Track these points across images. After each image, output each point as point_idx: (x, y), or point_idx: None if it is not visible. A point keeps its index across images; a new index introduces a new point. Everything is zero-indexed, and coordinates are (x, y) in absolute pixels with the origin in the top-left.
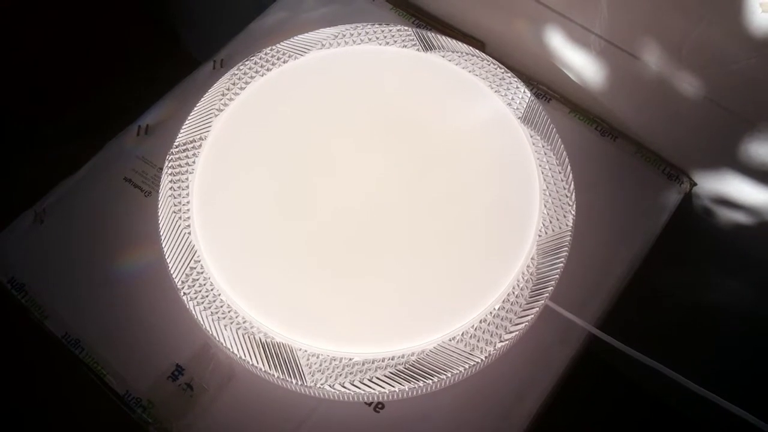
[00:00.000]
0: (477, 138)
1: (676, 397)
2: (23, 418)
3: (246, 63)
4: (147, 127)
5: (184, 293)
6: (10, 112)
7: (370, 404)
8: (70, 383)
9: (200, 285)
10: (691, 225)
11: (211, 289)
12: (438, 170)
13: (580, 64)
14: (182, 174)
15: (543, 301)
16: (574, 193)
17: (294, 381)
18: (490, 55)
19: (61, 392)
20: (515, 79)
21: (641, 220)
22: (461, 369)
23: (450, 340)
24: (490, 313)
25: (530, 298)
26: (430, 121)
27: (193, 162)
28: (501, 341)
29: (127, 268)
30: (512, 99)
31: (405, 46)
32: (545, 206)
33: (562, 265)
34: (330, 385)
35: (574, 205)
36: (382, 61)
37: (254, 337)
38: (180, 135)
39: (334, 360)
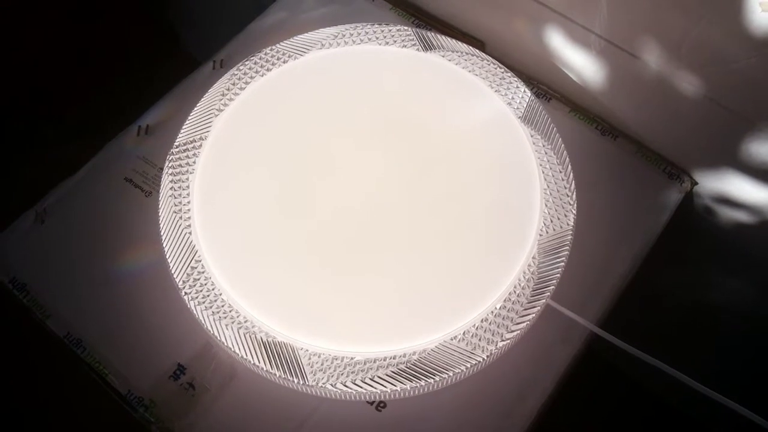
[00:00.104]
0: (477, 138)
1: (677, 396)
2: (25, 418)
3: (246, 63)
4: (147, 127)
5: (185, 293)
6: (10, 112)
7: (371, 403)
8: (72, 383)
9: (201, 285)
10: (692, 224)
11: (212, 289)
12: (438, 170)
13: (581, 63)
14: (183, 174)
15: (544, 300)
16: (574, 193)
17: (296, 380)
18: (490, 55)
19: (63, 392)
20: (515, 79)
21: (642, 219)
22: (463, 368)
23: (452, 340)
24: (492, 312)
25: (531, 297)
26: (430, 120)
27: (194, 162)
28: (502, 340)
29: (128, 267)
30: (512, 98)
31: (405, 46)
32: (546, 205)
33: (563, 264)
34: (332, 385)
35: (575, 205)
36: (382, 61)
37: (256, 337)
38: (180, 135)
39: (336, 359)
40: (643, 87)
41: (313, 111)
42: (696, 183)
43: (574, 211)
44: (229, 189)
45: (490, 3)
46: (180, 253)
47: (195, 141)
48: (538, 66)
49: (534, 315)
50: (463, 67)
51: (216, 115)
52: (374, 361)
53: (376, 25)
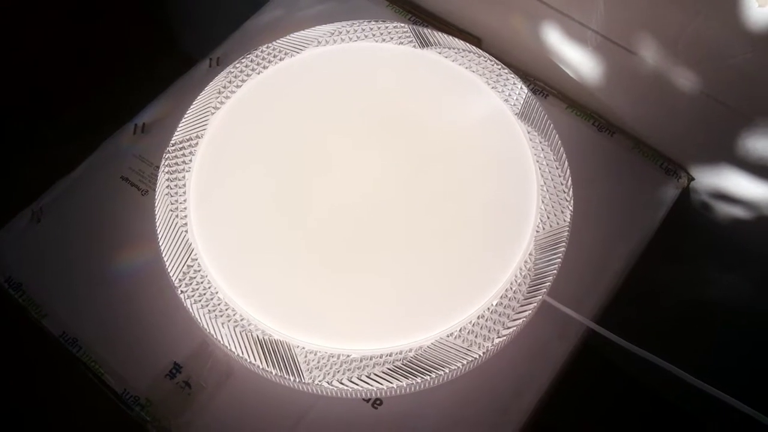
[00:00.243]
0: (474, 134)
1: (674, 391)
2: (22, 417)
3: (242, 61)
4: (143, 126)
5: (182, 291)
6: (10, 111)
7: (368, 401)
8: (68, 382)
9: (197, 283)
10: (689, 220)
11: (209, 287)
12: (435, 167)
13: (577, 59)
14: (179, 172)
15: (541, 297)
16: (571, 189)
17: (292, 378)
18: (486, 52)
19: (59, 391)
20: (512, 76)
21: (639, 215)
22: (459, 365)
23: (448, 336)
24: (488, 308)
25: (528, 293)
26: (427, 117)
27: (190, 160)
28: (499, 337)
29: (124, 266)
30: (509, 95)
31: (401, 43)
32: (543, 202)
33: (559, 260)
34: (328, 382)
35: (572, 201)
36: (379, 58)
37: (252, 335)
38: (176, 133)
39: (332, 357)
40: (640, 83)
41: (309, 108)
42: (693, 179)
43: (571, 208)
44: (225, 187)
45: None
46: (176, 251)
47: (191, 139)
48: (535, 62)
49: (530, 311)
50: (460, 64)
51: (212, 113)
52: (370, 359)
53: (373, 22)
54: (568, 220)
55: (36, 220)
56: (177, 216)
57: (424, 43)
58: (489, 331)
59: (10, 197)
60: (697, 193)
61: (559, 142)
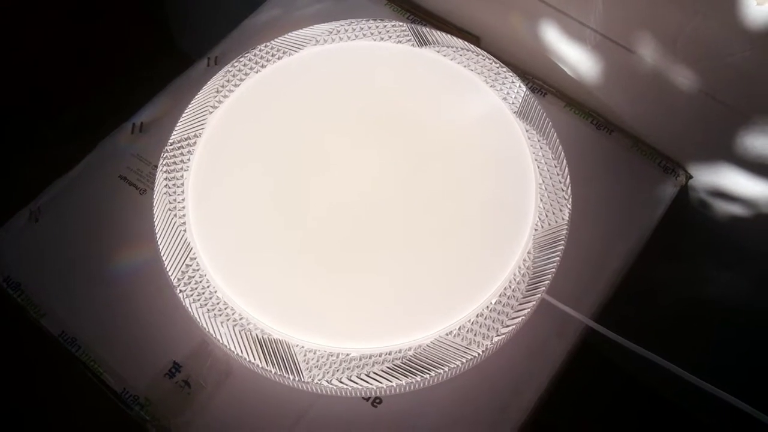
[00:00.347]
0: (473, 133)
1: (672, 389)
2: (22, 416)
3: (240, 60)
4: (141, 125)
5: (180, 290)
6: (9, 111)
7: (367, 399)
8: (67, 381)
9: (196, 282)
10: (687, 218)
11: (207, 286)
12: (434, 165)
13: (576, 58)
14: (177, 171)
15: (539, 295)
16: (570, 187)
17: (291, 377)
18: (485, 50)
19: (59, 391)
20: (511, 74)
21: (637, 213)
22: (458, 363)
23: (447, 335)
24: (487, 307)
25: (527, 291)
26: (425, 116)
27: (188, 159)
28: (498, 335)
29: (122, 266)
30: (508, 94)
31: (400, 42)
32: (541, 200)
33: (558, 258)
34: (327, 381)
35: (570, 199)
36: (377, 57)
37: (251, 334)
38: (174, 132)
39: (332, 356)
40: (638, 81)
41: (307, 107)
42: (691, 177)
43: (570, 206)
44: (223, 186)
45: None
46: (175, 250)
47: (189, 138)
48: (534, 61)
49: (529, 310)
50: (459, 63)
51: (210, 113)
52: (370, 357)
53: (371, 21)
54: (567, 218)
55: (34, 219)
56: (175, 215)
57: (423, 41)
58: (488, 329)
59: (8, 197)
60: (695, 191)
61: (558, 140)
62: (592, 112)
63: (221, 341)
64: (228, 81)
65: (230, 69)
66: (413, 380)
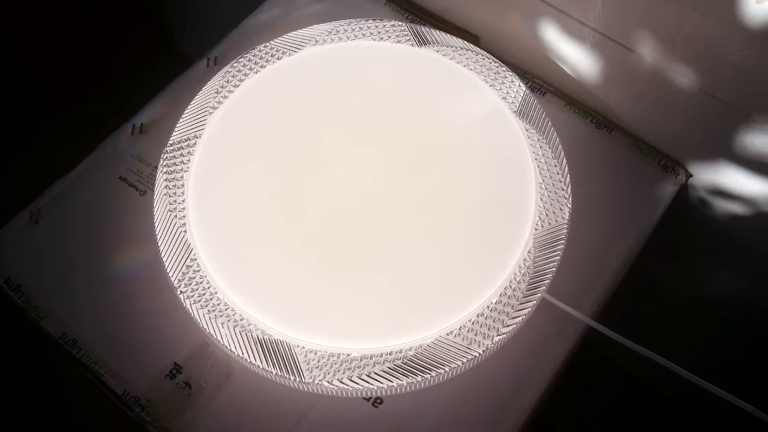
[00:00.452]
0: (472, 132)
1: (673, 388)
2: (23, 418)
3: (240, 60)
4: (141, 126)
5: (181, 292)
6: (9, 111)
7: (368, 399)
8: (68, 383)
9: (197, 283)
10: (687, 216)
11: (208, 287)
12: (434, 165)
13: (575, 57)
14: (177, 172)
15: (540, 294)
16: (570, 186)
17: (292, 377)
18: (484, 50)
19: (60, 393)
20: (510, 73)
21: (637, 211)
22: (459, 363)
23: (448, 335)
24: (488, 306)
25: (527, 291)
26: (425, 116)
27: (188, 160)
28: (498, 335)
29: (123, 267)
30: (507, 93)
31: (399, 42)
32: (541, 199)
33: (558, 258)
34: (328, 381)
35: (570, 198)
36: (377, 57)
37: (252, 335)
38: (174, 133)
39: (332, 356)
40: (637, 80)
41: (307, 107)
42: (691, 175)
43: (570, 205)
44: (223, 187)
45: None
46: (175, 251)
47: (189, 139)
48: (533, 60)
49: (530, 309)
50: (458, 62)
51: (210, 113)
52: (371, 358)
53: (370, 21)
54: (567, 217)
55: (34, 221)
56: (176, 216)
57: (422, 41)
58: (489, 329)
59: (8, 198)
60: (695, 189)
61: (558, 139)
62: (592, 111)
63: (222, 342)
64: (228, 81)
65: (230, 69)
66: (414, 380)
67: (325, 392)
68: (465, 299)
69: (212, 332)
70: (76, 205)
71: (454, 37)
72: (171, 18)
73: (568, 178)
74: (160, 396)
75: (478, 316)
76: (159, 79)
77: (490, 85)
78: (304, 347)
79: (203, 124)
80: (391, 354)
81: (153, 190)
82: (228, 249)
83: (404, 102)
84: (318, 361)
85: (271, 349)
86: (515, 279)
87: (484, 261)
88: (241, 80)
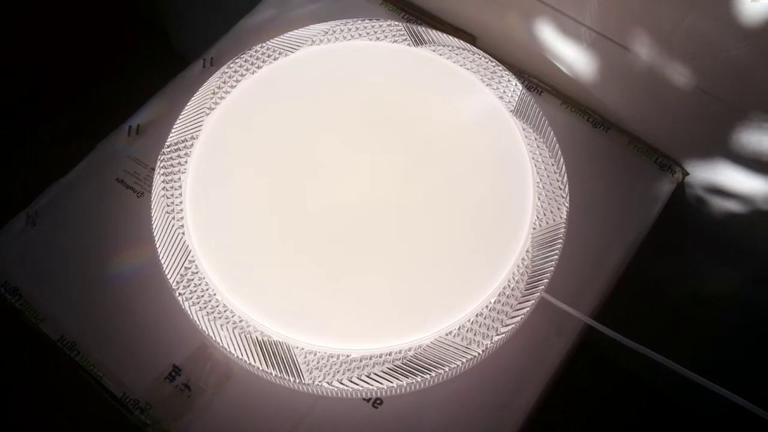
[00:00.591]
0: (469, 132)
1: (671, 386)
2: (21, 421)
3: (236, 61)
4: (138, 127)
5: (180, 294)
6: (4, 113)
7: (368, 400)
8: (67, 386)
9: (195, 285)
10: (684, 215)
11: (207, 289)
12: (431, 165)
13: (572, 56)
14: (175, 174)
15: (539, 294)
16: (567, 185)
17: (292, 379)
18: (481, 49)
19: (59, 396)
20: (507, 73)
21: (634, 210)
22: (459, 363)
23: (447, 335)
24: (486, 306)
25: (526, 290)
26: (422, 116)
27: (186, 161)
28: (498, 334)
29: (121, 269)
30: (504, 92)
31: (396, 41)
32: (539, 199)
33: (556, 257)
34: (328, 383)
35: (568, 197)
36: (373, 57)
37: (251, 336)
38: (171, 135)
39: (332, 357)
40: (634, 78)
41: (304, 108)
42: (687, 173)
43: (567, 204)
44: (221, 188)
45: None
46: (173, 253)
47: (186, 140)
48: (530, 59)
49: (529, 308)
50: (455, 62)
51: (207, 114)
52: (370, 358)
53: (367, 21)
54: (565, 216)
55: (31, 223)
56: (173, 218)
57: (419, 41)
58: (488, 328)
59: (5, 200)
60: (692, 187)
61: (555, 138)
62: (589, 109)
63: (221, 344)
64: (224, 82)
65: (226, 70)
66: (414, 380)
67: (325, 393)
68: (464, 299)
69: (211, 334)
70: (73, 207)
71: (451, 37)
72: (167, 19)
73: (565, 177)
74: (160, 398)
75: (477, 316)
76: (155, 81)
77: (487, 85)
78: (303, 348)
79: (200, 125)
80: (390, 354)
81: (150, 192)
82: (226, 250)
83: (401, 102)
84: (318, 362)
85: (271, 350)
86: (514, 278)
87: (483, 261)
88: (237, 81)
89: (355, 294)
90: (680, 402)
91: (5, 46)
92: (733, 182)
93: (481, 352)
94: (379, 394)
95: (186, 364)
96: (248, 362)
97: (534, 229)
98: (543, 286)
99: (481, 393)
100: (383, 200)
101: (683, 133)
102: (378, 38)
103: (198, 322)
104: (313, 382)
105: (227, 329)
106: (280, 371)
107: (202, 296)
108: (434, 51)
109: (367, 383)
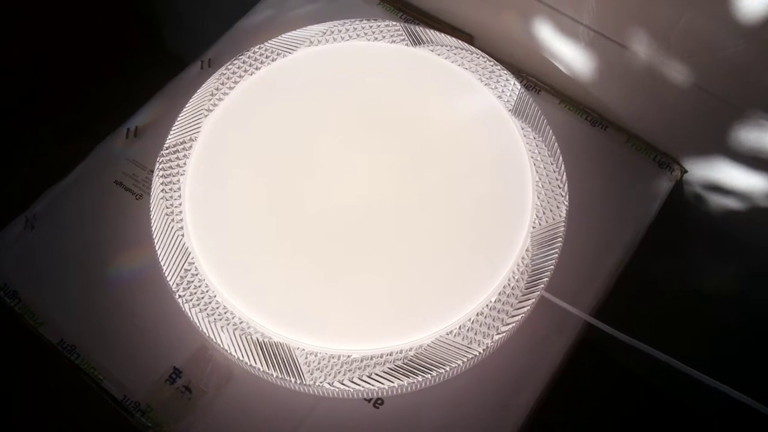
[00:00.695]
0: (468, 131)
1: (671, 383)
2: (22, 426)
3: (234, 62)
4: (136, 130)
5: (180, 296)
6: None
7: (369, 400)
8: (68, 390)
9: (195, 287)
10: (683, 212)
11: (207, 291)
12: (430, 165)
13: (570, 55)
14: (173, 176)
15: (539, 292)
16: (566, 184)
17: (293, 380)
18: (479, 49)
19: (59, 399)
20: (505, 72)
21: (633, 208)
22: (459, 362)
23: (447, 334)
24: (487, 305)
25: (526, 289)
26: (420, 116)
27: (184, 163)
28: (498, 333)
29: (121, 272)
30: (502, 92)
31: (394, 42)
32: (538, 197)
33: (556, 255)
34: (329, 383)
35: (567, 196)
36: (371, 57)
37: (251, 338)
38: (170, 136)
39: (333, 358)
40: (632, 77)
41: (303, 109)
42: (686, 171)
43: (567, 203)
44: (220, 190)
45: None
46: (173, 255)
47: (185, 142)
48: (528, 58)
49: (529, 307)
50: (453, 62)
51: (205, 116)
52: (371, 359)
53: (365, 21)
54: (564, 215)
55: (30, 227)
56: (173, 220)
57: (417, 41)
58: (488, 327)
59: (3, 204)
60: (690, 185)
61: (553, 137)
62: (587, 108)
63: (221, 346)
64: (222, 84)
65: (224, 72)
66: (415, 380)
67: (326, 394)
68: (464, 299)
69: (211, 336)
70: (71, 210)
71: (449, 37)
72: (164, 21)
73: (564, 176)
74: (160, 401)
75: (477, 315)
76: (153, 82)
77: (485, 84)
78: (304, 349)
79: (199, 127)
80: (391, 354)
81: (149, 194)
82: (226, 252)
83: (400, 102)
84: (318, 363)
85: (271, 351)
86: (514, 277)
87: (483, 260)
88: (236, 82)
89: (356, 294)
90: (679, 397)
91: (5, 46)
92: (731, 179)
93: (482, 351)
94: (380, 394)
95: (186, 366)
96: (249, 364)
97: (533, 228)
98: (543, 285)
99: (481, 392)
100: (382, 200)
101: (681, 130)
102: (376, 39)
103: (198, 324)
104: (315, 382)
105: (227, 331)
106: (281, 372)
107: (202, 298)
108: (432, 51)
109: (368, 383)
